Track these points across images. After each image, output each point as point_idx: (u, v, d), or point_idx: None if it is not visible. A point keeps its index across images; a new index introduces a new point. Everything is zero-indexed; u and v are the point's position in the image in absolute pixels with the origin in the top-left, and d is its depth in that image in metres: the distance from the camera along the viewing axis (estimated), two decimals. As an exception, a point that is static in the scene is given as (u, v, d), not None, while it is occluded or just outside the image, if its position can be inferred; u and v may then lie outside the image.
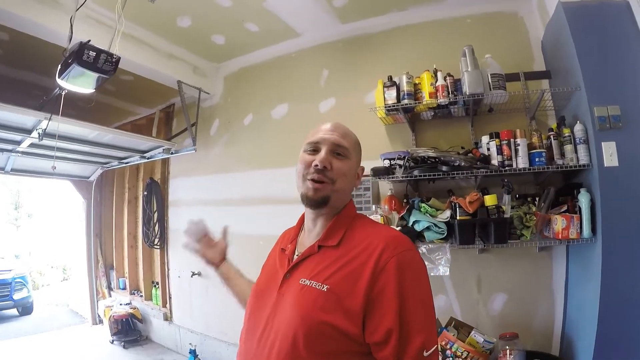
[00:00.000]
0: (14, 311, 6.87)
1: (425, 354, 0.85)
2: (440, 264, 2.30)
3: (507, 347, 2.20)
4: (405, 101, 2.53)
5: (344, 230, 1.02)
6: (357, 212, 1.12)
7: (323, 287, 0.92)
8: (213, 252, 1.38)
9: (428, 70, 2.55)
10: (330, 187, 1.01)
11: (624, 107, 1.96)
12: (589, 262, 2.11)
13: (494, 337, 2.30)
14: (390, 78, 2.61)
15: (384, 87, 2.60)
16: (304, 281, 0.96)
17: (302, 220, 1.16)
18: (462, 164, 2.26)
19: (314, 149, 1.05)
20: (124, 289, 5.47)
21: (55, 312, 7.10)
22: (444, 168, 2.30)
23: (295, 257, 1.06)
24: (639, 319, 1.85)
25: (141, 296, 5.11)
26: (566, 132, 2.15)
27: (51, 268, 11.30)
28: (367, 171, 2.61)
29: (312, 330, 0.88)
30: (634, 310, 1.86)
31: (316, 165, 1.01)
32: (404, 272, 0.89)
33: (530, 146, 2.24)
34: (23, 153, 3.80)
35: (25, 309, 6.96)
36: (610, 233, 1.94)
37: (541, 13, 2.59)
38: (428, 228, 2.32)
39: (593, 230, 2.03)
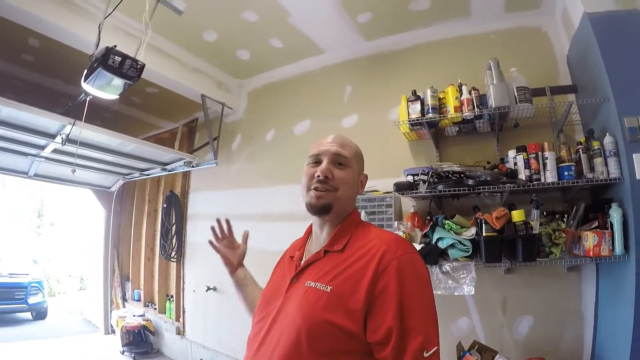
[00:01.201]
0: (28, 315, 7.02)
1: (425, 354, 0.87)
2: (464, 282, 2.23)
3: (533, 373, 2.12)
4: (430, 115, 2.52)
5: (348, 236, 1.07)
6: (364, 221, 1.18)
7: (327, 288, 0.96)
8: (233, 254, 1.41)
9: (453, 84, 2.55)
10: (332, 194, 1.07)
11: (656, 117, 1.91)
12: (621, 282, 2.03)
13: (518, 361, 2.22)
14: (414, 92, 2.62)
15: (408, 101, 2.60)
16: (309, 283, 1.00)
17: (310, 230, 1.22)
18: (488, 178, 2.22)
19: (316, 161, 1.12)
20: (139, 300, 5.50)
21: (68, 319, 7.22)
22: (470, 182, 2.26)
23: (303, 262, 1.11)
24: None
25: (155, 309, 5.12)
26: (595, 144, 2.13)
27: (69, 277, 11.48)
28: (390, 187, 2.61)
29: (314, 329, 0.92)
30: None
31: (318, 176, 1.07)
32: (404, 274, 0.92)
33: (559, 160, 2.20)
34: (46, 159, 3.90)
35: (40, 314, 7.10)
36: (645, 250, 1.85)
37: (566, 27, 2.57)
38: (452, 245, 2.26)
39: (626, 247, 1.96)
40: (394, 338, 0.87)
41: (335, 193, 1.07)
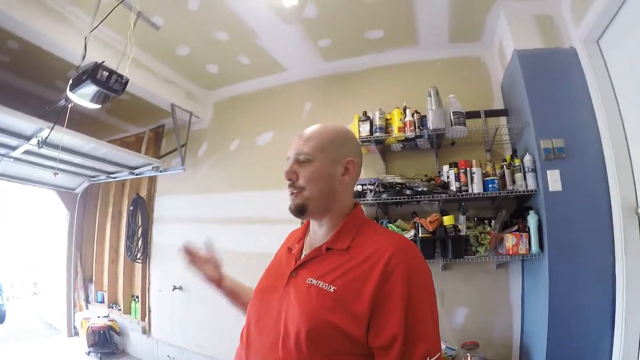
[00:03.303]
0: (-15, 320, 6.70)
1: None
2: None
3: (468, 355, 2.46)
4: (377, 134, 2.84)
5: (353, 234, 1.02)
6: (368, 219, 1.14)
7: (330, 287, 0.93)
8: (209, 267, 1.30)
9: (398, 107, 2.87)
10: (301, 195, 1.03)
11: (568, 140, 2.26)
12: (538, 276, 2.37)
13: (455, 345, 2.55)
14: (365, 113, 2.92)
15: (359, 121, 2.90)
16: (311, 280, 0.96)
17: (308, 222, 1.16)
18: (424, 189, 2.58)
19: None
20: (102, 302, 5.46)
21: (27, 323, 6.96)
22: (408, 192, 2.61)
23: (303, 256, 1.07)
24: (584, 327, 2.10)
25: (119, 310, 5.12)
26: (517, 162, 2.49)
27: (22, 281, 11.02)
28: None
29: (315, 329, 0.89)
30: (579, 318, 2.12)
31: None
32: (411, 279, 0.90)
33: (485, 175, 2.57)
34: (15, 159, 3.84)
35: (-2, 317, 6.82)
36: (555, 249, 2.21)
37: (501, 59, 2.90)
38: (393, 246, 2.59)
39: (541, 247, 2.32)
40: (398, 344, 0.85)
41: (303, 192, 1.03)
